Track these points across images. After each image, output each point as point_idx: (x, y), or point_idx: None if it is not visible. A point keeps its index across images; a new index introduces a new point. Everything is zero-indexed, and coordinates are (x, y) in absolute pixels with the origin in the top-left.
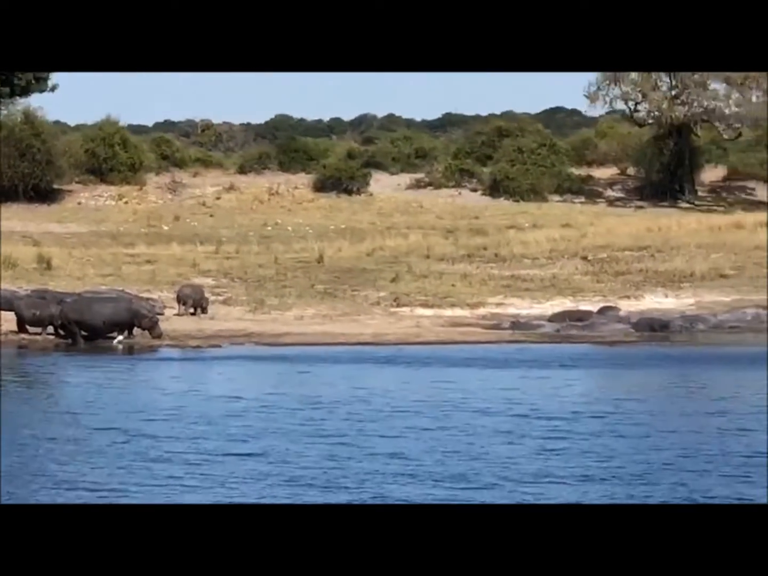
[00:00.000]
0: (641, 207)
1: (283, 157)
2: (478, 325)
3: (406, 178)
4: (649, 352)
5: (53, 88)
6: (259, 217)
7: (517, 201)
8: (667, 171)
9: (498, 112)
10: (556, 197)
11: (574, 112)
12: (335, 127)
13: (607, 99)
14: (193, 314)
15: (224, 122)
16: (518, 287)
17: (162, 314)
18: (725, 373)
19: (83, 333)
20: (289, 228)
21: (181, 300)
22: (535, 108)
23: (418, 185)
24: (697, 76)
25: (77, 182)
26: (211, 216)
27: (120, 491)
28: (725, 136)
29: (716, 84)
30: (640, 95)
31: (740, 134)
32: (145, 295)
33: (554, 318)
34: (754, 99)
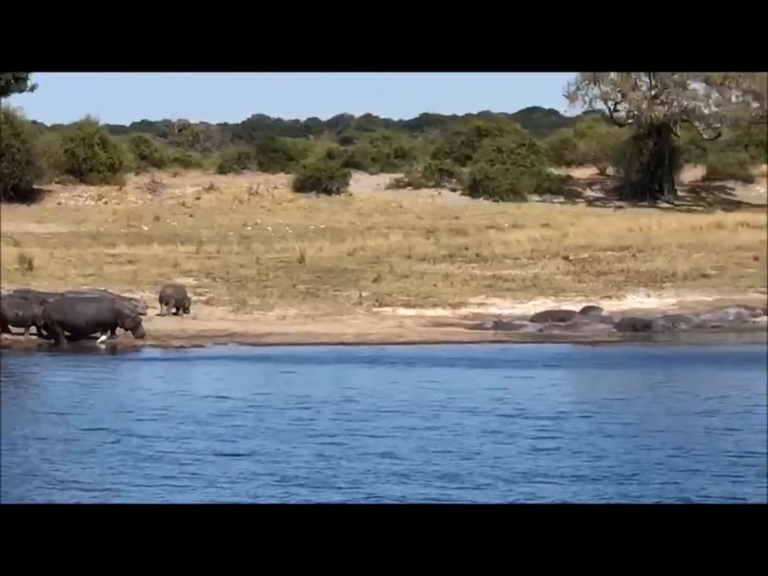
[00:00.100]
0: (621, 207)
1: (263, 157)
2: (461, 325)
3: (385, 178)
4: (633, 351)
5: (32, 88)
6: (238, 217)
7: (497, 201)
8: (647, 171)
9: (475, 112)
10: (536, 197)
11: (552, 112)
12: (312, 127)
13: (587, 99)
14: (175, 314)
15: (201, 122)
16: (500, 287)
17: (144, 314)
18: (710, 373)
19: (66, 333)
20: (269, 228)
21: (163, 300)
22: (512, 108)
23: (397, 185)
24: (677, 75)
25: (57, 182)
26: (191, 216)
27: (113, 491)
28: (705, 136)
29: (696, 84)
30: (619, 95)
31: (720, 134)
32: (127, 295)
33: (536, 318)
34: (733, 99)
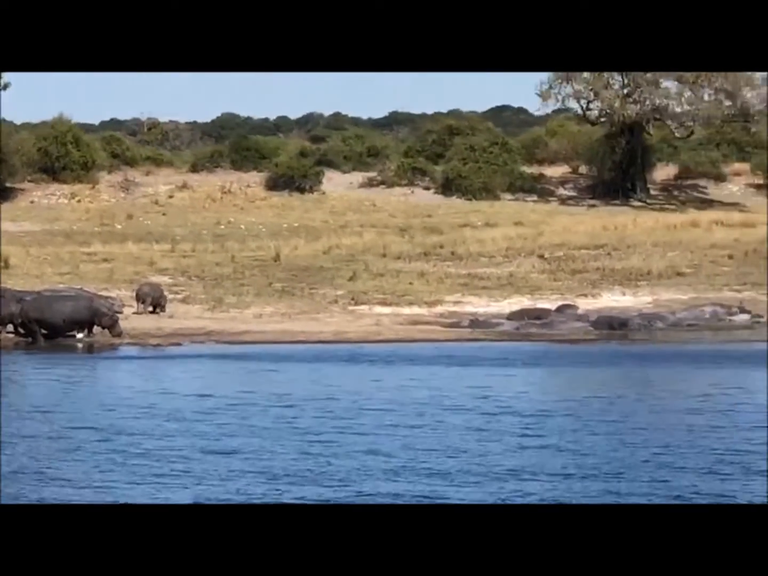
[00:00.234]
0: (593, 205)
1: (235, 156)
2: (437, 323)
3: (358, 177)
4: (611, 350)
5: (5, 87)
6: (212, 215)
7: (470, 199)
8: (620, 169)
9: (445, 111)
10: (509, 196)
11: (521, 111)
12: (282, 125)
13: (559, 97)
14: (152, 312)
15: (171, 121)
16: (475, 285)
17: (121, 313)
18: (689, 371)
19: (43, 331)
20: (242, 226)
21: (140, 298)
22: (482, 106)
23: (370, 184)
24: (649, 74)
25: (30, 181)
26: (164, 214)
27: (102, 488)
28: (677, 135)
29: (668, 82)
30: (592, 94)
31: (692, 133)
32: (103, 293)
33: (513, 316)
34: (705, 97)
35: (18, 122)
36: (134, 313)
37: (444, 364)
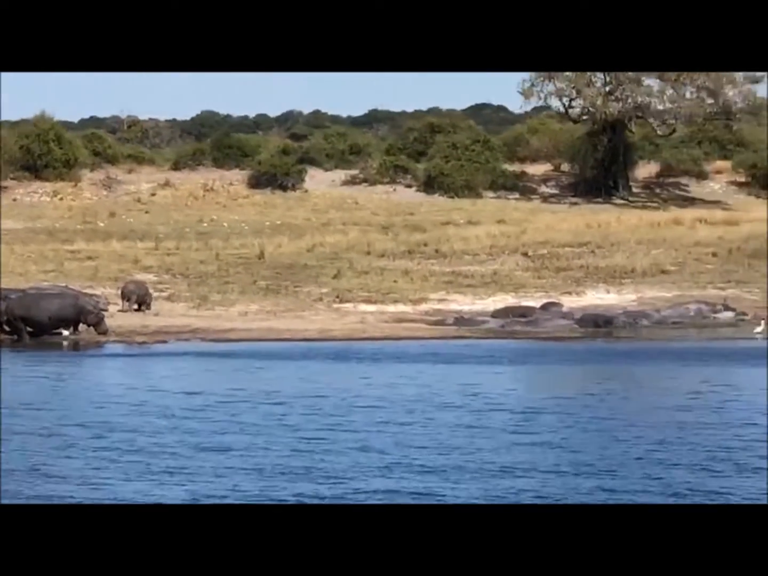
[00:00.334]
0: (575, 203)
1: (217, 154)
2: (422, 321)
3: (340, 174)
4: (598, 348)
5: None
6: (194, 213)
7: (452, 197)
8: (602, 167)
9: (424, 108)
10: (491, 194)
11: (501, 109)
12: (261, 123)
13: (542, 95)
14: (137, 310)
15: (150, 118)
16: (460, 283)
17: (106, 310)
18: (676, 369)
19: (28, 329)
20: (225, 224)
21: (125, 296)
22: (462, 104)
23: (352, 181)
24: (631, 72)
25: (12, 179)
26: (147, 212)
27: (96, 485)
28: (659, 133)
29: (650, 80)
30: (574, 91)
31: (674, 130)
32: (88, 291)
33: (497, 314)
34: (687, 95)
35: None
36: (119, 310)
37: (431, 362)
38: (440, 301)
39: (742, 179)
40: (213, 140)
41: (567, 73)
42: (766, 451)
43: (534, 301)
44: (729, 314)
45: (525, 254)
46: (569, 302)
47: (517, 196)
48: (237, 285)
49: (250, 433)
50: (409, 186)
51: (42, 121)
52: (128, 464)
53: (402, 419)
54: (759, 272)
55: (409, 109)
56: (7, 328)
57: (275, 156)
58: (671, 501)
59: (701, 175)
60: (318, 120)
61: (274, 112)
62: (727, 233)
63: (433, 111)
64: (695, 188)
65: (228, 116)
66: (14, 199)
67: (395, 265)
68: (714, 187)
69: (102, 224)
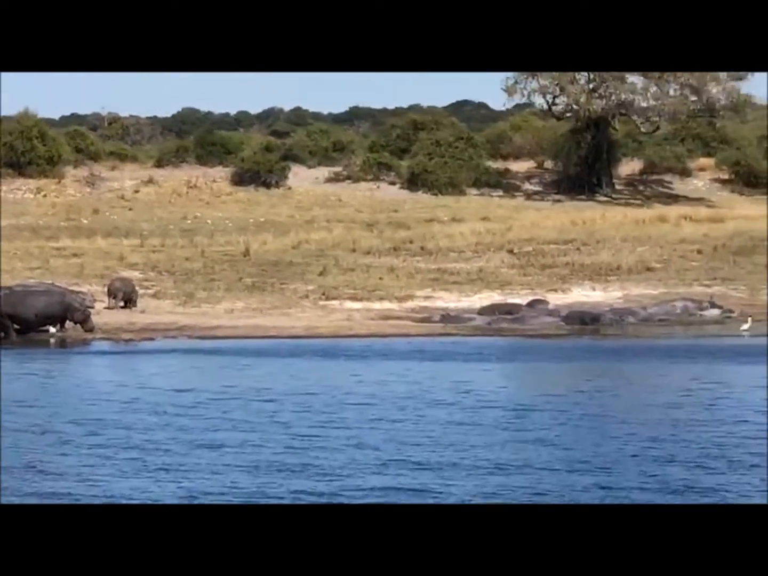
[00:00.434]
0: (559, 200)
1: (201, 151)
2: (409, 318)
3: (324, 172)
4: (585, 345)
5: None
6: (178, 210)
7: (436, 194)
8: (585, 164)
9: (405, 106)
10: (474, 191)
11: (482, 106)
12: (242, 120)
13: (525, 92)
14: (123, 307)
15: (131, 115)
16: (446, 280)
17: (93, 307)
18: (665, 366)
19: (15, 326)
20: (209, 221)
21: (111, 293)
22: (442, 101)
23: (336, 179)
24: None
25: None
26: (130, 209)
27: (90, 482)
28: (643, 130)
29: (634, 77)
30: (558, 89)
31: (658, 128)
32: (74, 288)
33: (484, 311)
34: (671, 92)
35: None
36: (106, 308)
37: (419, 359)
38: (426, 298)
39: (726, 176)
40: (196, 137)
41: None
42: (759, 448)
43: (520, 299)
44: (715, 311)
45: (510, 251)
46: (555, 299)
47: (500, 193)
48: (223, 282)
49: (243, 430)
50: (392, 183)
51: (25, 118)
52: (123, 461)
53: (394, 416)
54: (744, 269)
55: (390, 106)
56: None
57: (258, 153)
58: (668, 498)
59: (684, 173)
60: (299, 117)
61: (254, 109)
62: (712, 230)
63: (414, 108)
64: (679, 185)
65: (209, 113)
66: None
67: (381, 263)
68: (697, 184)
69: (86, 221)
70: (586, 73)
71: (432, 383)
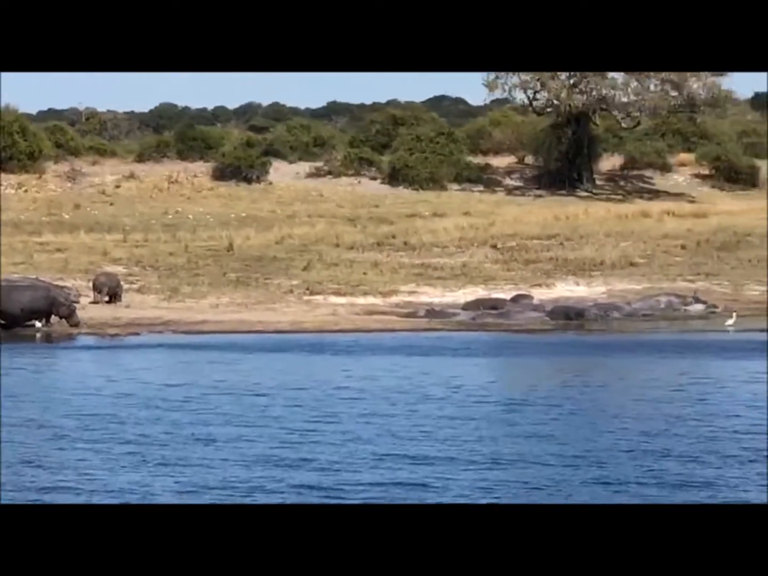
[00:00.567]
0: (540, 196)
1: (181, 146)
2: (393, 313)
3: (305, 167)
4: (570, 340)
5: None
6: (159, 205)
7: (417, 189)
8: (566, 159)
9: (383, 101)
10: (455, 186)
11: (459, 101)
12: (220, 115)
13: (506, 87)
14: (108, 302)
15: (108, 110)
16: (429, 275)
17: (78, 302)
18: (653, 361)
19: (0, 321)
20: (190, 216)
21: (97, 288)
22: (420, 96)
23: (317, 174)
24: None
25: None
26: (112, 204)
27: (88, 477)
28: (624, 125)
29: (614, 73)
30: (539, 84)
31: (638, 123)
32: (59, 283)
33: (468, 306)
34: (652, 88)
35: None
36: (91, 302)
37: (406, 354)
38: (410, 293)
39: (706, 172)
40: (176, 132)
41: None
42: (752, 443)
43: (504, 294)
44: (699, 307)
45: (494, 246)
46: (539, 294)
47: (481, 188)
48: (207, 277)
49: (237, 424)
50: (373, 178)
51: (6, 113)
52: (119, 456)
53: (386, 411)
54: (728, 265)
55: (368, 102)
56: None
57: (239, 148)
58: (665, 492)
59: (665, 168)
60: (277, 112)
61: (232, 105)
62: (696, 226)
63: (392, 103)
64: (659, 181)
65: (186, 108)
66: None
67: (364, 258)
68: (678, 179)
69: (67, 216)
70: None
71: (422, 378)
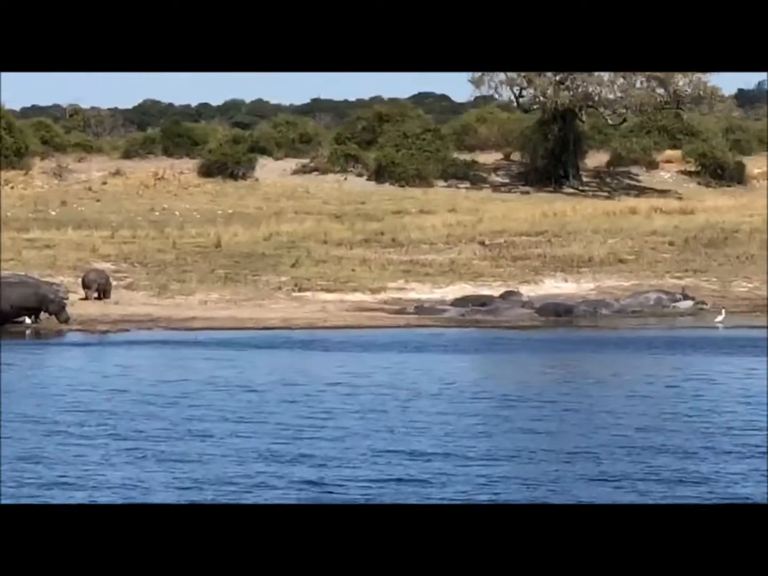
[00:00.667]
0: (526, 192)
1: (168, 142)
2: (382, 309)
3: (291, 163)
4: (560, 336)
5: None
6: (146, 202)
7: (403, 186)
8: (552, 156)
9: (367, 98)
10: (441, 183)
11: (443, 98)
12: (204, 112)
13: (493, 84)
14: (97, 299)
15: (92, 107)
16: (418, 272)
17: (67, 299)
18: (644, 357)
19: None
20: (177, 213)
21: (86, 285)
22: (404, 93)
23: (303, 170)
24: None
25: None
26: (98, 201)
27: (86, 472)
28: (610, 122)
29: None
30: (525, 81)
31: (625, 120)
32: (48, 279)
33: (457, 303)
34: (638, 84)
35: None
36: (81, 299)
37: (398, 351)
38: (399, 289)
39: (692, 168)
40: (162, 129)
41: None
42: (747, 439)
43: (492, 290)
44: (688, 303)
45: (482, 243)
46: (527, 291)
47: (467, 185)
48: (195, 274)
49: (234, 420)
50: (360, 175)
51: None
52: (116, 451)
53: (381, 407)
54: (716, 261)
55: (351, 98)
56: None
57: (225, 145)
58: (662, 487)
59: (651, 165)
60: (260, 109)
61: (216, 101)
62: (683, 222)
63: (376, 100)
64: (645, 177)
65: (170, 105)
66: None
67: (353, 254)
68: (664, 176)
69: (54, 213)
70: None
71: (415, 375)
